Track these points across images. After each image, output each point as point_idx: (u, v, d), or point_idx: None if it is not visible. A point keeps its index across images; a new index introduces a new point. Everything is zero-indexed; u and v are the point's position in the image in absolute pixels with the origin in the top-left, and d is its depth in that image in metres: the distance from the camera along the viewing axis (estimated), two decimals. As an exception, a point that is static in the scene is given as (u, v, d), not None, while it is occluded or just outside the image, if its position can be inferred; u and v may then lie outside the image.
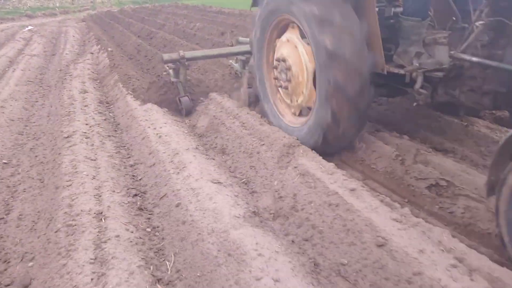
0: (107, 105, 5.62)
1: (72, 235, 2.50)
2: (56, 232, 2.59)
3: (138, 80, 6.38)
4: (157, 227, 2.74)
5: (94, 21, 19.70)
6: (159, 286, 2.18)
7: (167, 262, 2.38)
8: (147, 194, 3.18)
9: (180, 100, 4.84)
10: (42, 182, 3.51)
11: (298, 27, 3.48)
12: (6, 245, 2.72)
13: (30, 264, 2.48)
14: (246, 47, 5.05)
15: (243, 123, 3.98)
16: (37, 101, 6.21)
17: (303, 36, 3.48)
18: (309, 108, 3.59)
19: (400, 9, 3.41)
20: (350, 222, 2.43)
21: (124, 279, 2.10)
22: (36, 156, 4.10)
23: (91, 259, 2.25)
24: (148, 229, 2.71)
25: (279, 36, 3.80)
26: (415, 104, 3.27)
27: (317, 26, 3.10)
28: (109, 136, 4.35)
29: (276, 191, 3.00)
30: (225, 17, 15.91)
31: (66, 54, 10.23)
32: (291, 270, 2.13)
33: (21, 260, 2.53)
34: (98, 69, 7.95)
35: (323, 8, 3.09)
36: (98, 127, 4.49)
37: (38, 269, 2.39)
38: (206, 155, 3.68)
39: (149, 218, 2.86)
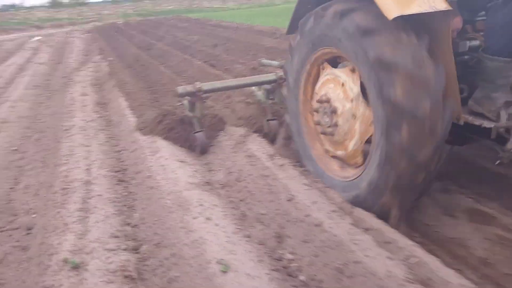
0: (103, 105, 6.48)
1: (66, 195, 3.33)
2: (54, 193, 3.42)
3: (132, 85, 7.26)
4: (132, 192, 3.56)
5: (99, 33, 20.77)
6: (127, 227, 2.99)
7: (135, 214, 3.20)
8: (127, 170, 4.00)
9: (194, 136, 4.17)
10: (44, 163, 4.35)
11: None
12: (15, 205, 3.55)
13: (34, 215, 3.30)
14: (272, 76, 4.40)
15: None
16: (42, 103, 7.09)
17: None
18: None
19: (475, 43, 2.77)
20: (274, 187, 3.24)
21: (101, 220, 2.92)
22: (40, 145, 4.94)
23: (79, 208, 3.08)
24: (125, 193, 3.53)
25: (322, 69, 3.18)
26: (497, 162, 2.69)
27: (380, 71, 2.43)
28: (102, 129, 5.20)
29: (228, 169, 3.82)
30: (222, 30, 16.91)
31: (71, 62, 11.18)
32: (223, 216, 2.94)
33: (27, 213, 3.35)
34: (98, 76, 8.85)
35: (390, 48, 2.41)
36: (93, 123, 5.36)
37: (39, 218, 3.21)
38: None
39: (126, 187, 3.68)
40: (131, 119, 5.18)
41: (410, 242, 2.50)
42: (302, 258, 2.54)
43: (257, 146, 3.90)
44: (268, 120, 4.40)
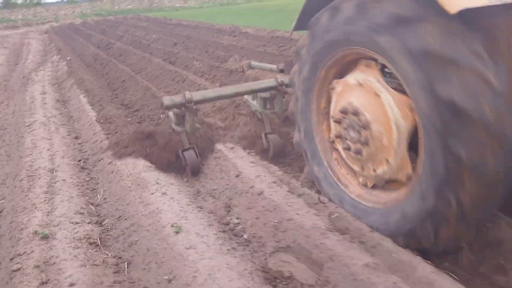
0: (63, 103, 6.68)
1: (32, 181, 3.60)
2: (20, 181, 3.68)
3: (92, 83, 7.46)
4: (94, 177, 3.87)
5: (56, 33, 20.46)
6: (91, 206, 3.31)
7: (98, 195, 3.52)
8: (89, 159, 4.30)
9: (183, 155, 3.68)
10: (8, 156, 4.57)
11: (375, 64, 2.50)
12: (-17, 194, 3.78)
13: (2, 201, 3.56)
14: (271, 82, 3.92)
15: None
16: (2, 102, 7.18)
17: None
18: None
19: None
20: (225, 166, 3.65)
21: (66, 200, 3.23)
22: (3, 140, 5.13)
23: (44, 191, 3.37)
24: (87, 179, 3.84)
25: (339, 75, 2.76)
26: None
27: (434, 69, 2.04)
28: (63, 124, 5.44)
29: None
30: (182, 29, 17.14)
31: (29, 63, 11.14)
32: (178, 191, 3.31)
33: (-5, 200, 3.60)
34: (57, 76, 8.95)
35: (444, 42, 2.03)
36: (54, 118, 5.58)
37: (8, 202, 3.47)
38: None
39: (89, 173, 3.99)
40: (91, 114, 5.44)
41: (336, 207, 2.97)
42: (246, 221, 2.96)
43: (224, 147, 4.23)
44: (266, 134, 3.93)
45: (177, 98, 3.64)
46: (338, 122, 2.71)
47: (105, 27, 20.54)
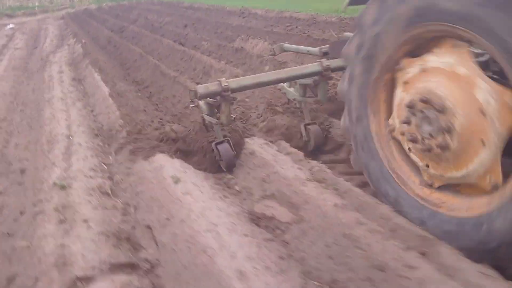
0: (79, 81, 7.12)
1: (51, 145, 4.05)
2: (41, 145, 4.13)
3: (105, 63, 7.89)
4: (107, 142, 4.29)
5: (72, 19, 20.93)
6: (104, 165, 3.73)
7: (110, 156, 3.94)
8: (103, 127, 4.72)
9: (217, 149, 3.31)
10: (30, 127, 5.03)
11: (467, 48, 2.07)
12: (8, 158, 4.24)
13: (26, 163, 4.01)
14: (315, 66, 3.49)
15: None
16: (23, 82, 7.67)
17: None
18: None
19: None
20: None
21: (82, 159, 3.66)
22: (25, 114, 5.60)
23: (62, 152, 3.81)
24: (101, 144, 4.26)
25: (409, 55, 2.31)
26: None
27: None
28: (79, 99, 5.87)
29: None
30: (193, 12, 17.44)
31: (46, 47, 11.64)
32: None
33: (19, 161, 4.05)
34: (73, 57, 9.40)
35: None
36: (71, 94, 6.02)
37: (31, 163, 3.92)
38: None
39: (102, 140, 4.40)
40: (105, 90, 5.86)
41: (318, 162, 3.31)
42: (238, 176, 3.34)
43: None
44: (306, 125, 3.64)
45: (212, 86, 3.20)
46: (409, 109, 2.23)
47: (119, 11, 20.92)
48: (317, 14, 12.61)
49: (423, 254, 2.10)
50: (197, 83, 5.32)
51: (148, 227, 2.75)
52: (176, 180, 3.07)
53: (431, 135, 2.17)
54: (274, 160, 3.30)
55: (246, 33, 10.47)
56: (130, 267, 2.34)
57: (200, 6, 19.25)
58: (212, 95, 3.24)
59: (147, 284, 2.24)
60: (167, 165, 3.37)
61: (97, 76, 6.71)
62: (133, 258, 2.42)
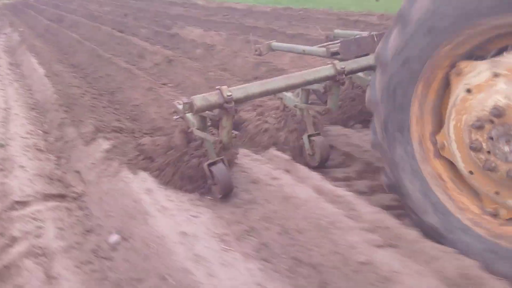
0: (16, 65, 7.36)
1: (-11, 116, 4.43)
2: (-21, 117, 4.50)
3: (43, 48, 8.14)
4: (42, 113, 4.72)
5: (9, 9, 20.32)
6: (39, 130, 4.18)
7: (44, 124, 4.39)
8: (39, 102, 5.12)
9: (210, 171, 2.70)
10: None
11: None
12: None
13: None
14: (328, 69, 2.91)
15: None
16: (-42, 68, 7.76)
17: None
18: None
19: None
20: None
21: (19, 125, 4.11)
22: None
23: (1, 121, 4.22)
24: (36, 115, 4.68)
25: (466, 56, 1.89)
26: None
27: None
28: (16, 80, 6.19)
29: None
30: (135, 2, 17.56)
31: (-19, 36, 11.50)
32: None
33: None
34: (10, 45, 9.49)
35: None
36: (8, 76, 6.31)
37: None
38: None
39: (38, 112, 4.82)
40: (41, 71, 6.20)
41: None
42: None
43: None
44: (310, 136, 3.11)
45: (212, 97, 2.50)
46: (476, 123, 1.80)
47: (59, 1, 20.50)
48: (253, 5, 13.33)
49: (287, 171, 2.82)
50: (133, 65, 5.82)
51: (78, 171, 3.29)
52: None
53: (502, 157, 1.75)
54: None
55: (185, 21, 10.98)
56: (61, 197, 2.89)
57: (142, -4, 19.39)
58: (212, 107, 2.52)
59: (75, 206, 2.80)
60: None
61: (34, 60, 7.00)
62: (63, 191, 2.97)
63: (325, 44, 3.82)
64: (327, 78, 2.93)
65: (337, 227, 2.16)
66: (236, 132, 2.74)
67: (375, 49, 2.33)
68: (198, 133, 2.77)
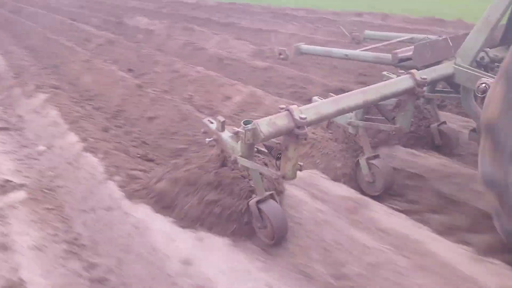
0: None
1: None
2: None
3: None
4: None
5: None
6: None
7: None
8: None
9: (259, 210, 2.13)
10: None
11: None
12: None
13: None
14: (404, 81, 2.37)
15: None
16: None
17: None
18: None
19: None
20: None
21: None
22: None
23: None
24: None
25: None
26: None
27: None
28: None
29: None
30: (94, -4, 18.33)
31: None
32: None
33: None
34: (-32, 32, 10.21)
35: None
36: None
37: None
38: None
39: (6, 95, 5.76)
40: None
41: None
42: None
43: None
44: (368, 159, 2.63)
45: (281, 120, 1.94)
46: None
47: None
48: (225, 1, 14.49)
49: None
50: (78, 45, 6.77)
51: (20, 115, 4.30)
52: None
53: None
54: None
55: (136, 12, 11.95)
56: (6, 129, 3.91)
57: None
58: (280, 134, 1.95)
59: (15, 134, 3.84)
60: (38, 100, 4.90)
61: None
62: (8, 126, 3.99)
63: (369, 47, 3.20)
64: (405, 91, 2.36)
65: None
66: (301, 164, 2.05)
67: (449, 55, 2.22)
68: (245, 163, 2.10)
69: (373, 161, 2.61)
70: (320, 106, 2.13)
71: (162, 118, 4.02)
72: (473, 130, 2.64)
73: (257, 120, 1.89)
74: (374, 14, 9.57)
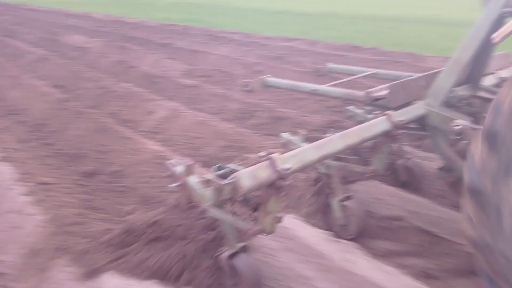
0: None
1: None
2: None
3: None
4: None
5: None
6: None
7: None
8: None
9: (230, 264, 2.00)
10: None
11: None
12: None
13: None
14: (381, 123, 2.29)
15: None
16: None
17: None
18: None
19: None
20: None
21: None
22: None
23: None
24: None
25: None
26: None
27: None
28: None
29: None
30: (34, 14, 18.03)
31: None
32: None
33: None
34: None
35: None
36: None
37: None
38: None
39: None
40: None
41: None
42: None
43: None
44: (341, 201, 2.53)
45: (263, 172, 1.76)
46: None
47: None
48: (144, 20, 14.71)
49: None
50: (8, 62, 6.77)
51: None
52: None
53: None
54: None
55: (75, 30, 11.97)
56: None
57: (42, 9, 19.82)
58: (261, 186, 1.77)
59: None
60: None
61: None
62: None
63: (335, 82, 3.06)
64: (382, 134, 2.28)
65: None
66: (281, 216, 1.86)
67: (421, 95, 2.25)
68: (216, 214, 1.92)
69: (346, 203, 2.49)
70: (303, 154, 1.95)
71: (82, 130, 4.22)
72: (441, 168, 2.60)
73: (236, 173, 1.67)
74: (303, 40, 10.27)
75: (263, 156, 1.81)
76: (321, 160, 2.05)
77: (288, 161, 1.81)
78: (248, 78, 6.79)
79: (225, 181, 1.72)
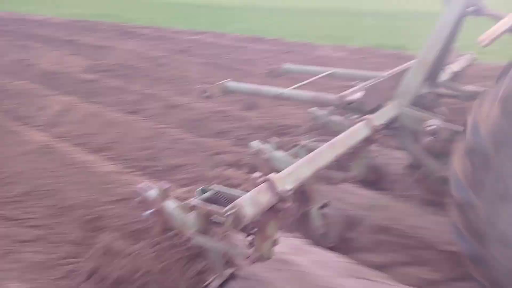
0: None
1: None
2: None
3: None
4: None
5: None
6: None
7: None
8: None
9: None
10: None
11: None
12: None
13: None
14: (361, 129, 2.26)
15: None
16: None
17: None
18: None
19: None
20: None
21: None
22: None
23: None
24: None
25: None
26: None
27: None
28: None
29: None
30: None
31: None
32: None
33: None
34: None
35: None
36: None
37: None
38: None
39: None
40: None
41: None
42: None
43: None
44: (320, 209, 2.39)
45: (263, 196, 1.61)
46: None
47: None
48: (52, 17, 14.20)
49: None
50: None
51: None
52: None
53: None
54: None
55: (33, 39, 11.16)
56: None
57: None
58: (263, 211, 1.61)
59: None
60: None
61: None
62: None
63: (300, 84, 2.93)
64: (364, 139, 2.23)
65: None
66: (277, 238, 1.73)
67: (391, 96, 2.23)
68: (204, 242, 1.78)
69: (325, 211, 2.36)
70: (298, 171, 1.82)
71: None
72: (409, 165, 2.62)
73: (237, 201, 1.51)
74: (211, 33, 10.58)
75: (258, 177, 1.66)
76: (315, 174, 1.93)
77: (286, 180, 1.69)
78: (151, 72, 7.09)
79: (226, 211, 1.49)
